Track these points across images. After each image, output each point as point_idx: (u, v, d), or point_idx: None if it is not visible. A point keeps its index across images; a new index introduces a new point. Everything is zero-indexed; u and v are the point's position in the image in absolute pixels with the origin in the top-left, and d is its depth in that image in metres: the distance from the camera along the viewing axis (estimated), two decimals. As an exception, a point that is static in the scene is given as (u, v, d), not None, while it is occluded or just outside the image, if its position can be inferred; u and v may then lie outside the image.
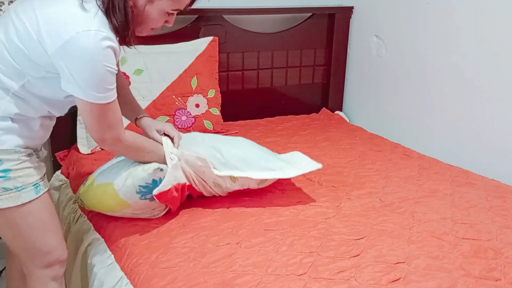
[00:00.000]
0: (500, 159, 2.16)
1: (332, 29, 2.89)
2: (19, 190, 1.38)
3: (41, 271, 1.51)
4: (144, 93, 2.33)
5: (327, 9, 2.89)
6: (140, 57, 2.34)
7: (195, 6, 2.53)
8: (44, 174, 1.48)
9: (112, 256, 1.60)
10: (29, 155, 1.42)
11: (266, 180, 1.78)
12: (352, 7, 2.90)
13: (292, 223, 1.64)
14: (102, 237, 1.71)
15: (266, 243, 1.51)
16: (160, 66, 2.39)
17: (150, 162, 1.58)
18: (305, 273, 1.37)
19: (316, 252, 1.47)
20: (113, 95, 1.36)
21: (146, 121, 1.69)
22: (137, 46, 2.32)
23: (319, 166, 1.81)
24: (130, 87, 2.29)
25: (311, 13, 2.86)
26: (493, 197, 1.86)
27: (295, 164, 1.79)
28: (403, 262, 1.42)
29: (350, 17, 2.93)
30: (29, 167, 1.41)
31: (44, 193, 1.45)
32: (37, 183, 1.43)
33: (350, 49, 2.98)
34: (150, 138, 1.64)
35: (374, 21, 2.78)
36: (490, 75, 2.17)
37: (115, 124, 1.40)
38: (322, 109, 3.01)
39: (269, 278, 1.35)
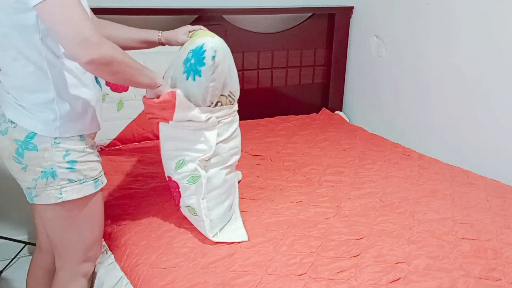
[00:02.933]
0: (500, 159, 2.16)
1: (332, 29, 2.90)
2: (81, 183, 1.41)
3: (76, 266, 1.53)
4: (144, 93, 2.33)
5: (327, 9, 2.89)
6: (140, 57, 2.34)
7: (195, 6, 2.53)
8: (102, 169, 1.51)
9: (112, 256, 1.60)
10: (92, 146, 1.45)
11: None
12: (352, 7, 2.90)
13: (292, 223, 1.64)
14: (102, 237, 1.71)
15: (266, 243, 1.51)
16: (160, 66, 2.38)
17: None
18: (305, 273, 1.37)
19: (316, 252, 1.47)
20: None
21: (169, 35, 1.68)
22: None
23: (244, 239, 1.55)
24: (130, 87, 2.29)
25: (311, 13, 2.86)
26: (493, 197, 1.86)
27: (225, 226, 1.62)
28: (403, 262, 1.42)
29: (350, 17, 2.93)
30: (92, 161, 1.44)
31: (101, 188, 1.49)
32: (96, 178, 1.46)
33: (350, 49, 2.98)
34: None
35: (374, 21, 2.78)
36: (490, 75, 2.17)
37: (89, 18, 1.23)
38: (322, 109, 3.01)
39: (269, 278, 1.35)
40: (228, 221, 1.63)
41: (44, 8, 1.21)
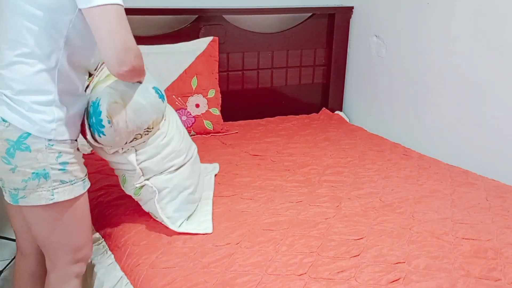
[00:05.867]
0: (500, 159, 2.15)
1: (332, 29, 2.89)
2: (72, 184, 1.42)
3: (67, 268, 1.53)
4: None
5: (327, 9, 2.89)
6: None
7: (195, 6, 2.53)
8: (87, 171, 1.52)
9: (112, 256, 1.60)
10: (78, 149, 1.46)
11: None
12: (352, 7, 2.90)
13: (292, 223, 1.64)
14: (102, 237, 1.71)
15: (266, 243, 1.51)
16: (160, 66, 2.39)
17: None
18: (305, 273, 1.37)
19: (316, 252, 1.47)
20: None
21: None
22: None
23: (208, 231, 1.60)
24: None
25: (311, 13, 2.86)
26: (493, 197, 1.86)
27: (194, 217, 1.68)
28: (403, 262, 1.42)
29: (350, 17, 2.93)
30: (80, 162, 1.46)
31: (87, 189, 1.50)
32: (84, 179, 1.47)
33: (350, 49, 2.98)
34: None
35: (374, 21, 2.78)
36: (490, 75, 2.17)
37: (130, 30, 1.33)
38: (322, 109, 3.01)
39: (269, 278, 1.35)
40: (196, 212, 1.68)
41: (92, 13, 1.26)
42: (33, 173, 1.35)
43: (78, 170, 1.43)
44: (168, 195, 1.60)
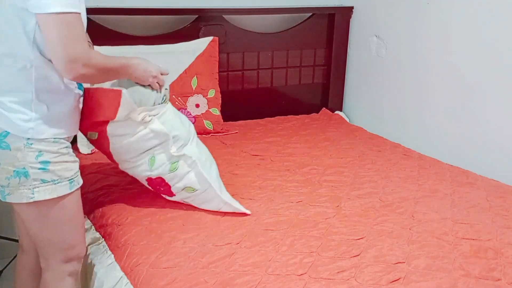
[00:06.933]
0: (500, 159, 2.16)
1: (332, 29, 2.90)
2: (55, 183, 1.41)
3: (60, 266, 1.53)
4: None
5: (327, 9, 2.89)
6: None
7: (195, 6, 2.53)
8: (78, 170, 1.50)
9: (112, 256, 1.60)
10: (67, 148, 1.45)
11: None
12: (352, 7, 2.90)
13: (292, 223, 1.64)
14: (102, 237, 1.71)
15: (266, 243, 1.51)
16: (160, 66, 2.39)
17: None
18: (305, 273, 1.37)
19: (316, 252, 1.47)
20: (77, 6, 1.30)
21: None
22: (137, 46, 2.34)
23: (248, 212, 1.70)
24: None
25: (311, 13, 2.86)
26: (493, 197, 1.86)
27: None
28: (403, 262, 1.42)
29: (350, 17, 2.93)
30: (67, 161, 1.44)
31: (77, 189, 1.48)
32: (72, 179, 1.45)
33: (350, 49, 2.98)
34: None
35: (374, 21, 2.78)
36: (490, 75, 2.17)
37: (84, 37, 1.33)
38: (322, 109, 3.01)
39: (269, 278, 1.35)
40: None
41: (43, 19, 1.25)
42: (14, 171, 1.36)
43: (63, 170, 1.42)
44: (206, 163, 1.68)
